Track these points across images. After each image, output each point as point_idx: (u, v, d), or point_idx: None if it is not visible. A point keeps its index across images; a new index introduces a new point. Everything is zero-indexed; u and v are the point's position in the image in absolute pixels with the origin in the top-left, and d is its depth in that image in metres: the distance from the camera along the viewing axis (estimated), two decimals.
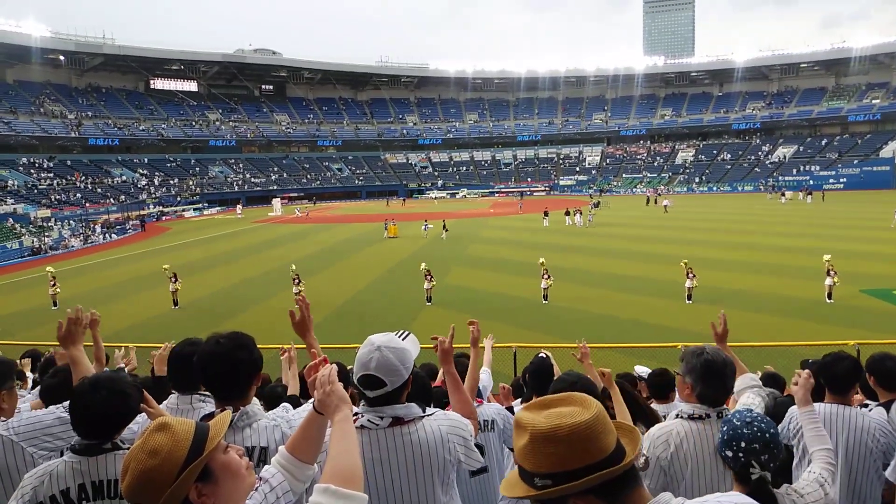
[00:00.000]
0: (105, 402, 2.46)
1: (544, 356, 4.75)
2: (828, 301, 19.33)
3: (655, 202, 64.23)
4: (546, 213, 47.13)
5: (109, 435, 2.49)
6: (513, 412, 4.16)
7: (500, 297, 22.29)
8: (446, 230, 40.20)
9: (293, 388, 4.54)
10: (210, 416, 2.50)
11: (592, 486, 1.44)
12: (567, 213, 45.85)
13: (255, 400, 3.26)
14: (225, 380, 2.59)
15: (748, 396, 3.23)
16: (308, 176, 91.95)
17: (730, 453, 2.19)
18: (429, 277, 21.77)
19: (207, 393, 3.08)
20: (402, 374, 2.40)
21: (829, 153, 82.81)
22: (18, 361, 7.39)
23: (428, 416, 2.49)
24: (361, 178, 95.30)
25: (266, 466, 1.98)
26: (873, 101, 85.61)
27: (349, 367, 3.04)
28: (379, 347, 2.39)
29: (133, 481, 1.56)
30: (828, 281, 19.51)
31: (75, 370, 3.22)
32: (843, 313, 17.94)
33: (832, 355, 3.75)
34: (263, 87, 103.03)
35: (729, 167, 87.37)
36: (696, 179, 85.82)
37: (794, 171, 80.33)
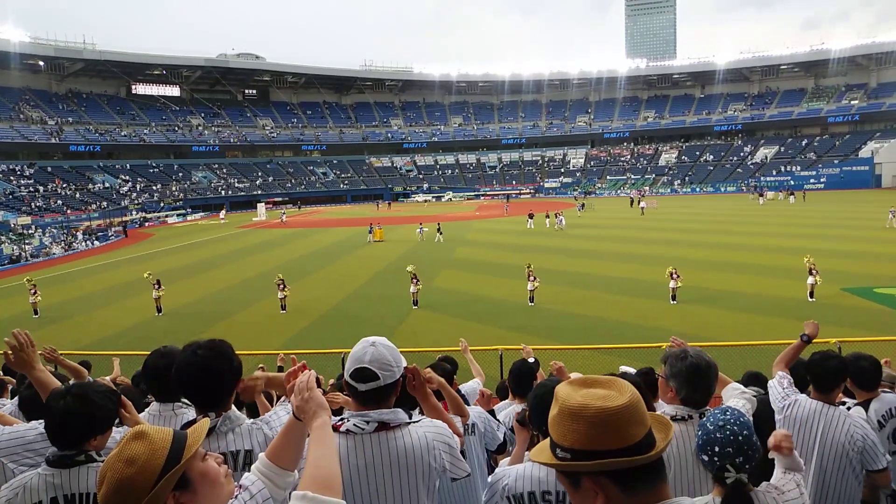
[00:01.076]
0: (68, 409, 2.45)
1: (532, 360, 4.77)
2: (810, 300, 19.55)
3: (640, 203, 64.61)
4: (531, 216, 47.31)
5: (78, 443, 2.47)
6: (494, 416, 4.15)
7: (486, 299, 22.32)
8: (441, 233, 40.20)
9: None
10: (192, 423, 2.49)
11: (605, 469, 1.47)
12: (547, 216, 45.92)
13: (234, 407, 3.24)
14: (205, 390, 2.57)
15: (735, 402, 3.24)
16: (293, 180, 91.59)
17: (705, 457, 2.20)
18: (415, 281, 21.74)
19: (188, 401, 3.06)
20: (394, 370, 2.43)
21: (810, 153, 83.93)
22: None
23: (414, 422, 2.49)
24: (346, 181, 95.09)
25: (246, 474, 1.97)
26: (852, 102, 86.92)
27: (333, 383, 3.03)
28: (374, 343, 2.45)
29: (109, 490, 1.54)
30: (810, 280, 19.74)
31: (42, 391, 3.09)
32: (826, 312, 18.13)
33: (820, 354, 3.79)
34: (247, 91, 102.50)
35: (711, 168, 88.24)
36: (679, 181, 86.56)
37: (775, 171, 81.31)
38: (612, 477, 1.48)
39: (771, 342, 11.78)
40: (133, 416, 2.74)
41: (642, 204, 56.55)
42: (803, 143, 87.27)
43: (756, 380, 5.70)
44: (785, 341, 11.48)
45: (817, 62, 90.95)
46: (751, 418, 3.06)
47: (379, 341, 2.47)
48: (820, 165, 79.61)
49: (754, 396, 3.36)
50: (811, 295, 19.71)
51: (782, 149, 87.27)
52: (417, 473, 2.40)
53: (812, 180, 76.48)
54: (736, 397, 3.30)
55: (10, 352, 2.87)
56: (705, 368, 2.91)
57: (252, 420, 2.69)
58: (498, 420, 4.14)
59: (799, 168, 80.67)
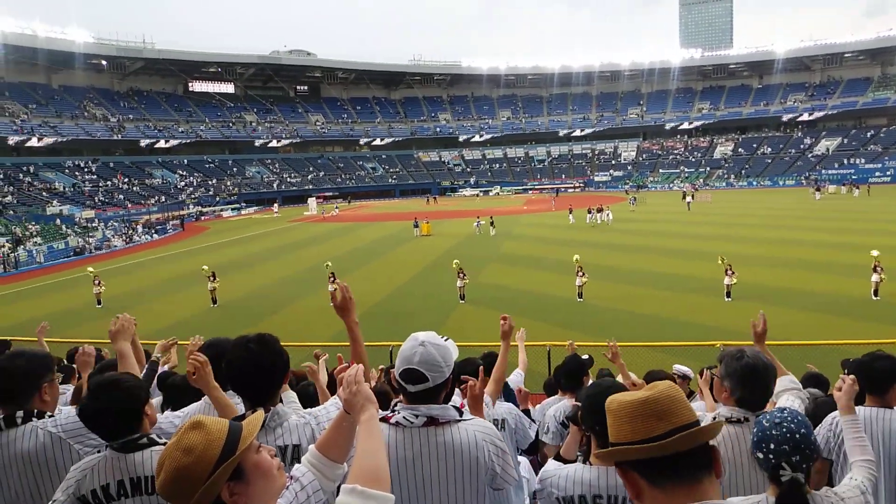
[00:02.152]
0: (96, 408, 2.52)
1: (586, 357, 4.73)
2: (874, 298, 18.72)
3: (693, 197, 62.85)
4: (571, 210, 46.60)
5: (125, 433, 2.51)
6: (529, 415, 4.12)
7: (534, 294, 22.16)
8: (493, 226, 40.57)
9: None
10: (242, 417, 2.52)
11: (621, 459, 1.60)
12: (589, 212, 44.94)
13: (291, 393, 3.30)
14: (255, 384, 2.61)
15: (786, 399, 3.14)
16: (343, 175, 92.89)
17: (760, 455, 2.14)
18: (461, 275, 21.75)
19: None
20: (443, 371, 2.42)
21: (875, 145, 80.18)
22: (64, 359, 7.62)
23: (464, 420, 2.48)
24: (395, 176, 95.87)
25: (297, 465, 2.00)
26: None
27: (382, 368, 3.04)
28: (423, 343, 2.42)
29: (167, 478, 1.59)
30: (874, 277, 18.88)
31: (122, 363, 3.45)
32: (891, 311, 17.36)
33: (870, 354, 3.62)
34: (298, 87, 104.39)
35: (769, 161, 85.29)
36: (735, 174, 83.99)
37: (837, 164, 78.06)
38: (638, 470, 1.56)
39: (833, 342, 11.34)
40: (151, 416, 2.69)
41: (688, 199, 54.26)
42: (868, 134, 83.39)
43: (816, 381, 5.49)
44: (848, 341, 11.07)
45: (884, 49, 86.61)
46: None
47: (428, 340, 2.44)
48: (886, 158, 75.97)
49: (808, 398, 3.23)
50: (875, 293, 18.86)
51: (845, 140, 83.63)
52: (465, 469, 2.39)
53: (878, 173, 73.10)
54: (788, 395, 3.19)
55: (191, 371, 2.95)
56: (762, 370, 2.81)
57: (300, 415, 2.72)
58: (531, 419, 4.10)
59: (863, 161, 77.20)
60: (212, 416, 1.73)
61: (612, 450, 1.60)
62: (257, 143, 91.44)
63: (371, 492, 1.65)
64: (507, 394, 4.46)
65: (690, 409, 1.59)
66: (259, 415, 1.85)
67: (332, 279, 22.47)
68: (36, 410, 2.82)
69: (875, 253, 19.12)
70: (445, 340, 2.52)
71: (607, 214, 43.26)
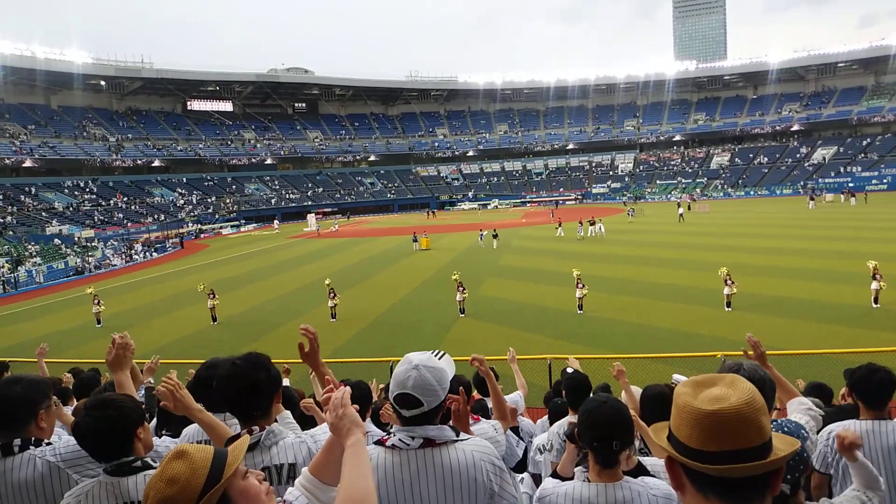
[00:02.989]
0: (91, 426, 2.49)
1: (572, 370, 4.70)
2: (874, 306, 18.69)
3: (689, 208, 62.87)
4: (559, 224, 46.48)
5: (119, 454, 2.50)
6: (517, 433, 4.08)
7: (533, 307, 22.13)
8: (496, 238, 40.93)
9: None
10: (235, 437, 2.53)
11: (674, 460, 1.50)
12: (581, 223, 44.46)
13: (286, 413, 3.26)
14: (245, 401, 2.62)
15: (797, 416, 3.11)
16: (342, 191, 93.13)
17: None
18: (461, 289, 21.74)
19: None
20: (438, 394, 2.37)
21: (871, 153, 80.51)
22: (62, 378, 7.60)
23: (461, 440, 2.45)
24: (393, 191, 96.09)
25: (289, 489, 1.98)
26: None
27: (378, 386, 3.01)
28: (417, 366, 2.35)
29: None
30: (874, 285, 18.86)
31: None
32: (892, 319, 17.34)
33: (864, 369, 3.59)
34: (296, 104, 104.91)
35: (766, 171, 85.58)
36: (732, 184, 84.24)
37: (834, 172, 78.31)
38: (685, 469, 1.48)
39: (834, 351, 11.33)
40: (145, 440, 2.67)
41: (680, 210, 53.12)
42: (864, 142, 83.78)
43: (819, 391, 5.46)
44: (850, 350, 11.04)
45: (877, 59, 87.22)
46: (812, 434, 2.90)
47: (422, 363, 2.37)
48: (882, 166, 76.21)
49: (821, 415, 3.20)
50: (875, 301, 18.84)
51: (841, 149, 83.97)
52: (463, 490, 2.36)
53: (874, 181, 73.29)
54: (800, 412, 3.16)
55: (114, 347, 2.94)
56: (759, 383, 2.77)
57: (297, 434, 2.71)
58: (520, 437, 4.07)
59: (859, 169, 77.45)
60: (197, 444, 1.69)
61: (662, 446, 1.53)
62: (255, 160, 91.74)
63: None
64: (483, 414, 4.45)
65: (764, 428, 1.42)
66: (244, 439, 1.82)
67: (332, 295, 22.47)
68: (34, 438, 2.78)
69: (872, 264, 19.03)
70: (440, 358, 2.46)
71: (599, 227, 42.95)
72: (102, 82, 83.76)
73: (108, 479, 2.48)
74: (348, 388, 2.02)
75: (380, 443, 2.47)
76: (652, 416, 3.75)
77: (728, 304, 19.78)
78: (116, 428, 2.50)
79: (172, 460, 1.61)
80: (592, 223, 43.61)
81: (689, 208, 58.22)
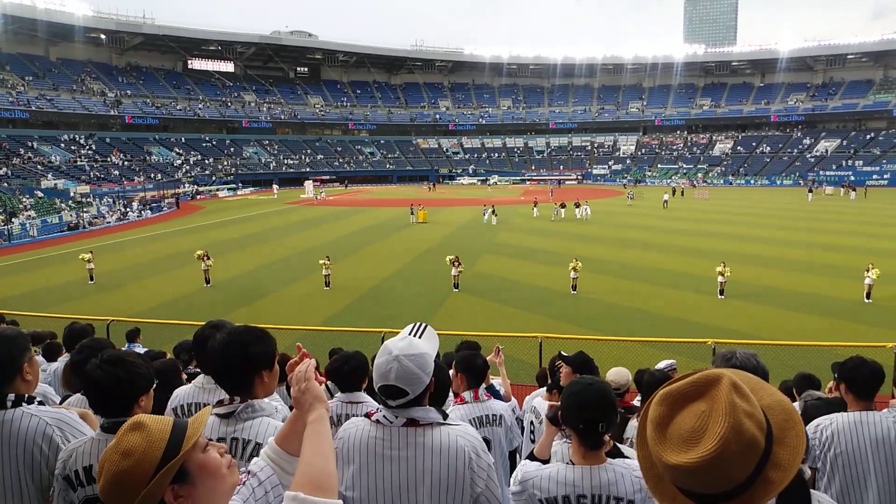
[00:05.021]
0: (108, 376, 2.50)
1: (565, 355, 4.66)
2: (866, 301, 18.80)
3: (682, 194, 62.73)
4: (535, 204, 46.11)
5: (125, 410, 2.51)
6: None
7: (527, 285, 22.16)
8: (495, 215, 40.73)
9: None
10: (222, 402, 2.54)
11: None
12: (563, 206, 44.04)
13: (277, 397, 3.14)
14: (224, 373, 2.57)
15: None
16: (340, 159, 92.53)
17: None
18: (456, 264, 21.73)
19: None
20: (423, 380, 2.33)
21: (874, 148, 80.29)
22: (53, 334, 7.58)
23: (448, 424, 2.42)
24: (393, 162, 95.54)
25: (255, 459, 1.92)
26: None
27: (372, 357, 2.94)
28: (397, 357, 2.28)
29: (106, 484, 1.51)
30: (867, 280, 18.95)
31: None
32: (883, 314, 17.45)
33: (854, 359, 3.59)
34: (298, 69, 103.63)
35: (768, 160, 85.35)
36: (734, 172, 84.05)
37: (836, 165, 78.16)
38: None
39: (824, 343, 11.38)
40: (146, 407, 2.62)
41: (665, 197, 52.05)
42: (868, 136, 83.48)
43: (809, 382, 5.48)
44: (840, 343, 11.10)
45: (887, 52, 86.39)
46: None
47: (403, 353, 2.29)
48: (884, 161, 76.10)
49: (810, 401, 3.20)
50: (868, 296, 18.94)
51: (845, 142, 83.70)
52: (441, 471, 2.34)
53: (875, 176, 73.23)
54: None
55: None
56: (751, 371, 2.76)
57: (282, 417, 2.64)
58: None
59: (862, 163, 77.32)
60: (155, 416, 1.63)
61: (650, 472, 1.35)
62: (255, 123, 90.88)
63: (314, 499, 1.54)
64: (494, 395, 4.44)
65: (747, 465, 1.22)
66: (205, 411, 1.73)
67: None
68: (27, 396, 2.77)
69: (873, 273, 18.86)
70: (421, 335, 2.40)
71: (585, 209, 42.54)
72: (103, 36, 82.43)
73: (101, 435, 2.49)
74: (313, 361, 1.95)
75: (367, 416, 2.46)
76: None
77: (721, 292, 19.84)
78: (123, 388, 2.53)
79: (128, 432, 1.55)
80: (578, 205, 43.31)
81: (682, 194, 57.79)
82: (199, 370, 4.48)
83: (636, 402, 4.96)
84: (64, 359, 5.87)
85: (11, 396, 2.73)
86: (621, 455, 2.69)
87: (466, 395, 4.00)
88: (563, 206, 44.21)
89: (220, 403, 2.56)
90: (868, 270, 18.94)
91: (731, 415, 1.21)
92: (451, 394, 4.01)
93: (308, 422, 1.78)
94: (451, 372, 4.10)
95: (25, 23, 71.27)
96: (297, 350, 2.16)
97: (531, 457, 3.02)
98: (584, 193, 56.36)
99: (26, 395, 2.78)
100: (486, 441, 3.86)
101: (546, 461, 2.87)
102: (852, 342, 11.18)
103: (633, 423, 4.25)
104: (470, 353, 4.25)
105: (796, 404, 5.03)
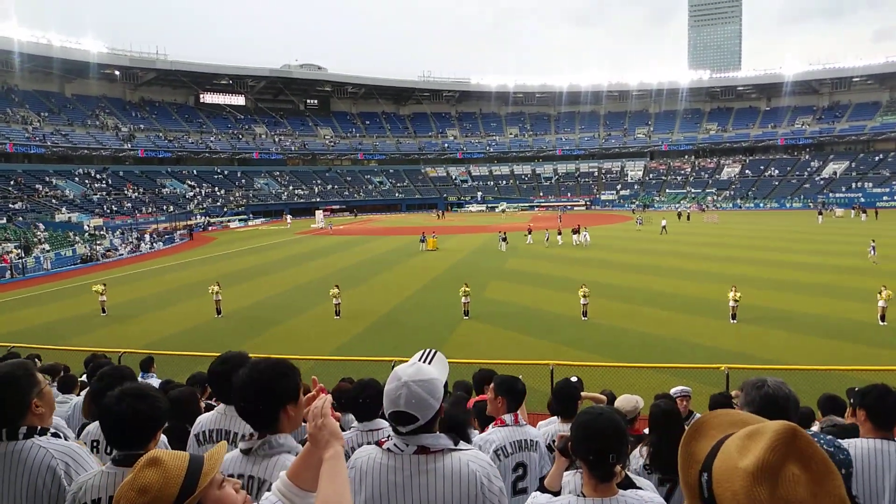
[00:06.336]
0: (133, 410, 2.51)
1: (575, 380, 4.64)
2: (881, 323, 18.56)
3: (688, 218, 62.69)
4: (529, 231, 46.10)
5: (142, 443, 2.53)
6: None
7: (537, 311, 22.07)
8: (506, 241, 41.09)
9: None
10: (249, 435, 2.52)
11: None
12: (559, 233, 44.03)
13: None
14: (251, 411, 2.49)
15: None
16: (350, 189, 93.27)
17: None
18: (465, 293, 21.71)
19: None
20: (433, 406, 2.32)
21: (883, 170, 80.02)
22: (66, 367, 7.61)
23: (459, 449, 2.40)
24: (402, 191, 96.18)
25: (266, 494, 1.91)
26: None
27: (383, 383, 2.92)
28: (406, 383, 2.28)
29: None
30: (881, 302, 18.74)
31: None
32: None
33: (876, 390, 3.51)
34: (308, 101, 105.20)
35: (777, 183, 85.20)
36: (742, 196, 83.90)
37: (845, 187, 77.87)
38: None
39: (841, 368, 11.24)
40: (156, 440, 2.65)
41: (664, 222, 51.29)
42: (876, 158, 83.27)
43: (833, 405, 5.36)
44: (858, 367, 10.95)
45: (892, 74, 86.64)
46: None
47: (412, 379, 2.28)
48: (894, 182, 75.80)
49: (827, 426, 3.15)
50: (882, 318, 18.70)
51: (853, 164, 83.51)
52: (454, 497, 2.32)
53: (885, 198, 72.86)
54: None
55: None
56: (783, 401, 2.65)
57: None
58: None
59: (871, 185, 77.02)
60: (172, 451, 1.62)
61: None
62: (266, 155, 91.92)
63: None
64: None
65: None
66: (221, 446, 1.73)
67: (336, 292, 22.40)
68: (39, 427, 2.77)
69: (885, 294, 18.68)
70: (431, 361, 2.39)
71: (584, 236, 42.26)
72: (117, 72, 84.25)
73: (112, 469, 2.48)
74: (329, 397, 1.95)
75: (378, 444, 2.46)
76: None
77: (733, 317, 19.67)
78: (142, 421, 2.53)
79: (145, 468, 1.54)
80: (576, 231, 42.91)
81: (688, 218, 57.44)
82: (211, 401, 4.50)
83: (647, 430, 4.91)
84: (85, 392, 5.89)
85: (24, 429, 2.73)
86: (633, 486, 2.65)
87: (507, 418, 3.96)
88: (559, 232, 44.31)
89: (244, 438, 2.55)
90: (881, 292, 18.75)
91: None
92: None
93: (325, 458, 1.77)
94: (490, 395, 4.10)
95: (41, 61, 73.04)
96: (312, 384, 2.16)
97: (542, 488, 2.98)
98: (593, 219, 56.40)
99: (39, 427, 2.77)
100: (523, 466, 3.80)
101: (557, 493, 2.84)
102: (869, 366, 11.03)
103: (636, 453, 4.19)
104: (511, 377, 4.24)
105: (815, 427, 4.97)
